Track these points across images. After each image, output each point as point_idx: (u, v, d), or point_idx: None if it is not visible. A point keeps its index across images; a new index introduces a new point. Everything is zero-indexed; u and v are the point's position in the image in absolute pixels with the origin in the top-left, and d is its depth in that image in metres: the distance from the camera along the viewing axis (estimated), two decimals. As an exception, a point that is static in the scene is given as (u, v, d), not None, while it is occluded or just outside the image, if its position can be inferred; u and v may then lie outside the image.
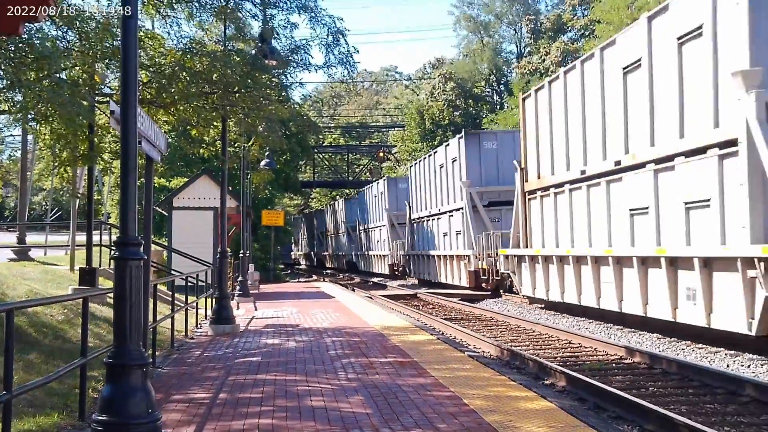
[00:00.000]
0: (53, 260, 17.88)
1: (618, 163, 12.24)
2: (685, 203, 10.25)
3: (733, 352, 9.31)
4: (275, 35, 11.06)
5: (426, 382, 6.62)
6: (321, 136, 53.03)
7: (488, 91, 52.98)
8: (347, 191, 50.33)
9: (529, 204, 16.61)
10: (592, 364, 8.98)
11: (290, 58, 10.69)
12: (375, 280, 32.32)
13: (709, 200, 9.71)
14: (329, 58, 10.64)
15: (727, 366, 8.61)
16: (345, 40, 10.71)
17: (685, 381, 7.80)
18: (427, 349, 8.81)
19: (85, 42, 8.47)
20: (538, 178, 15.96)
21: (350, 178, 48.24)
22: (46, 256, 19.79)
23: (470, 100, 49.17)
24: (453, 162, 23.05)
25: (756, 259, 8.43)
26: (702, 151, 9.84)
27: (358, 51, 10.98)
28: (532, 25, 50.69)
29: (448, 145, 24.32)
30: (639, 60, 11.51)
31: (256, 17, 11.49)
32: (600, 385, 6.95)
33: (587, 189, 13.41)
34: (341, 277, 38.78)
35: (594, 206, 13.22)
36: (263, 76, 10.51)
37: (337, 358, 8.20)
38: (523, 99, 17.23)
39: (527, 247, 16.53)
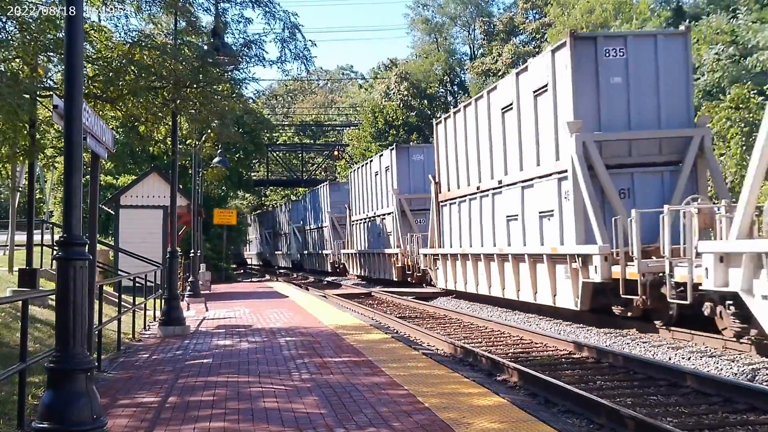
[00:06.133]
0: (-10, 261, 17.03)
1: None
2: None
3: (674, 345, 9.68)
4: (228, 30, 10.86)
5: (380, 381, 6.63)
6: (275, 134, 52.41)
7: (442, 92, 53.51)
8: (302, 189, 49.83)
9: None
10: (542, 360, 9.19)
11: (243, 51, 10.52)
12: (330, 279, 31.95)
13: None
14: (285, 53, 10.52)
15: (669, 359, 8.95)
16: (302, 34, 10.60)
17: (630, 374, 8.06)
18: (382, 347, 8.82)
19: (26, 33, 8.10)
20: None
21: (305, 177, 47.82)
22: (-18, 257, 18.83)
23: (425, 101, 49.55)
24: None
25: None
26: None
27: (315, 44, 10.87)
28: (486, 27, 51.50)
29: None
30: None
31: (208, 11, 11.27)
32: (550, 380, 7.11)
33: None
34: (295, 276, 38.41)
35: None
36: (215, 70, 10.30)
37: (291, 359, 8.11)
38: None
39: None
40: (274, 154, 46.62)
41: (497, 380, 7.74)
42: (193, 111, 10.79)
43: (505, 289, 14.92)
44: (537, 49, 42.85)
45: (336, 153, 50.70)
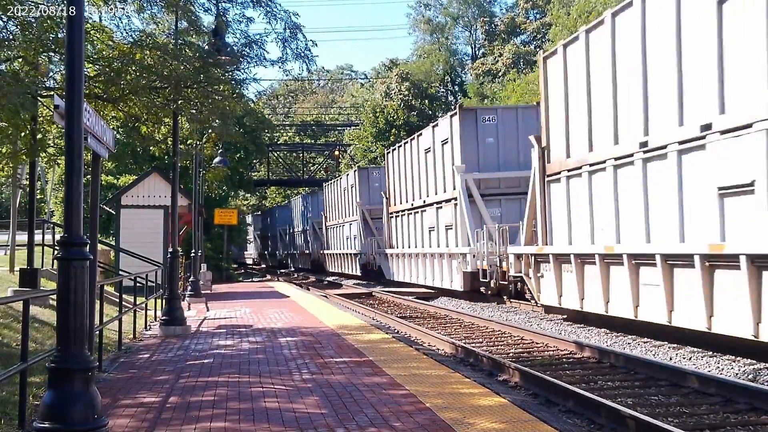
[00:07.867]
0: (-8, 261, 17.03)
1: None
2: None
3: (675, 345, 9.67)
4: (229, 29, 10.87)
5: (382, 381, 6.62)
6: (276, 134, 52.40)
7: (443, 92, 53.51)
8: (303, 190, 49.85)
9: None
10: (543, 360, 9.18)
11: (244, 51, 10.52)
12: (330, 279, 32.01)
13: None
14: (286, 53, 10.52)
15: (670, 359, 8.95)
16: (303, 34, 10.61)
17: (632, 374, 8.05)
18: (383, 347, 8.82)
19: (28, 32, 8.10)
20: None
21: (305, 177, 47.86)
22: (-17, 257, 18.84)
23: (426, 101, 49.55)
24: None
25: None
26: None
27: (316, 44, 10.87)
28: (487, 27, 51.49)
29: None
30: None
31: (209, 11, 11.28)
32: (551, 380, 7.11)
33: None
34: (296, 276, 38.47)
35: None
36: (216, 71, 10.31)
37: (292, 359, 8.12)
38: None
39: None
40: (275, 154, 46.66)
41: (498, 380, 7.73)
42: (194, 111, 10.80)
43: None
44: (538, 49, 42.81)
45: (337, 153, 50.72)
